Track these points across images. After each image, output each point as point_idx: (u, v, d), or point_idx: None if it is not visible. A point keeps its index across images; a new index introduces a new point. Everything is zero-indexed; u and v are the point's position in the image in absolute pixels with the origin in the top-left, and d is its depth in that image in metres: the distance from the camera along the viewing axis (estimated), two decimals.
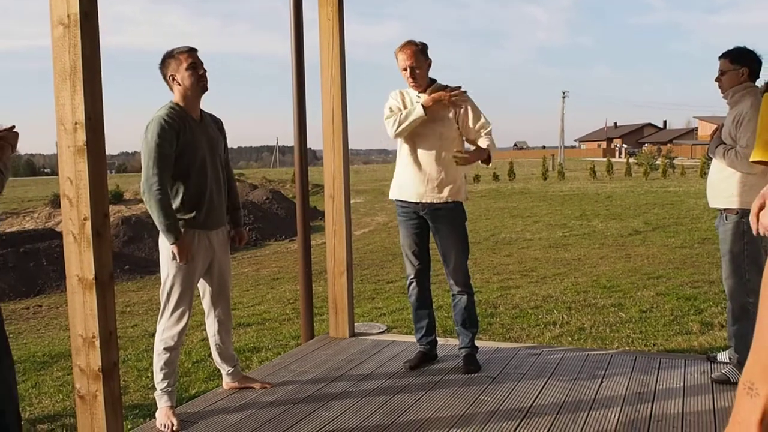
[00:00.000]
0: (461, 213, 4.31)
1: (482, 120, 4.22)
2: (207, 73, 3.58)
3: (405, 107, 4.22)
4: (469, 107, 4.21)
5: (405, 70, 4.17)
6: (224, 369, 4.01)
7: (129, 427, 4.08)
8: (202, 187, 3.56)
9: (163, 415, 3.53)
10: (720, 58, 3.90)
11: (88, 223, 2.92)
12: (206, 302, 3.83)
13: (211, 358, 5.47)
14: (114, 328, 3.05)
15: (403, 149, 4.29)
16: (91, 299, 2.95)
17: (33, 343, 7.20)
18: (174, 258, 3.49)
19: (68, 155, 2.92)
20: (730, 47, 3.91)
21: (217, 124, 3.81)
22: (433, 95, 4.15)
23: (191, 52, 3.56)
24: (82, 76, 2.85)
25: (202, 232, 3.61)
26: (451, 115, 4.18)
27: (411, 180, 4.24)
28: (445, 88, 4.22)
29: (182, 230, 3.48)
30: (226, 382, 4.03)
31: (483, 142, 4.20)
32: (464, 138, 4.27)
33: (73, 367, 3.07)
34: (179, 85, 3.53)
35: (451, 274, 4.31)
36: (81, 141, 2.88)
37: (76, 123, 2.88)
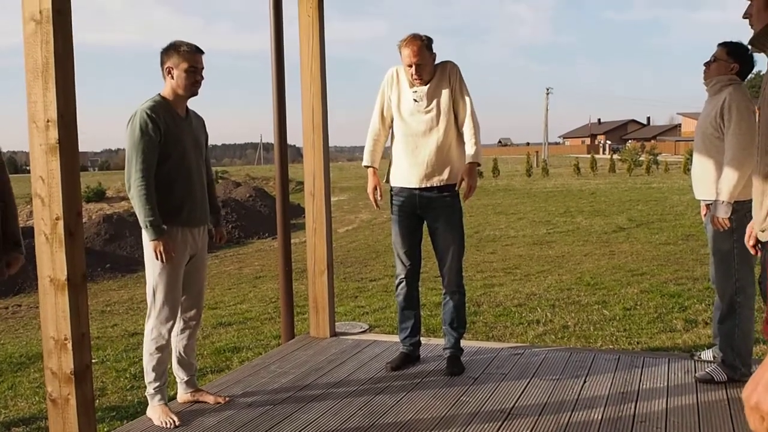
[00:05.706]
0: (459, 210, 4.21)
1: (468, 115, 4.08)
2: (203, 81, 3.50)
3: (397, 93, 4.14)
4: (457, 86, 4.08)
5: (410, 66, 4.01)
6: (180, 377, 3.76)
7: (106, 429, 4.02)
8: (186, 183, 3.48)
9: (160, 413, 3.48)
10: (719, 45, 3.85)
11: (61, 223, 2.85)
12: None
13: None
14: (87, 330, 2.99)
15: (398, 132, 4.16)
16: (63, 300, 2.88)
17: (10, 343, 7.09)
18: (157, 256, 3.39)
19: (40, 153, 2.85)
20: (729, 40, 3.85)
21: (201, 122, 3.73)
22: (372, 196, 4.24)
23: (197, 54, 3.48)
24: (54, 73, 2.79)
25: (186, 229, 3.52)
26: (446, 91, 4.06)
27: (409, 163, 4.10)
28: (441, 65, 4.12)
29: (165, 228, 3.37)
30: (181, 394, 3.77)
31: (469, 151, 4.08)
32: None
33: (44, 370, 3.00)
34: (172, 79, 3.45)
35: (446, 273, 4.22)
36: (53, 139, 2.81)
37: (48, 121, 2.81)
